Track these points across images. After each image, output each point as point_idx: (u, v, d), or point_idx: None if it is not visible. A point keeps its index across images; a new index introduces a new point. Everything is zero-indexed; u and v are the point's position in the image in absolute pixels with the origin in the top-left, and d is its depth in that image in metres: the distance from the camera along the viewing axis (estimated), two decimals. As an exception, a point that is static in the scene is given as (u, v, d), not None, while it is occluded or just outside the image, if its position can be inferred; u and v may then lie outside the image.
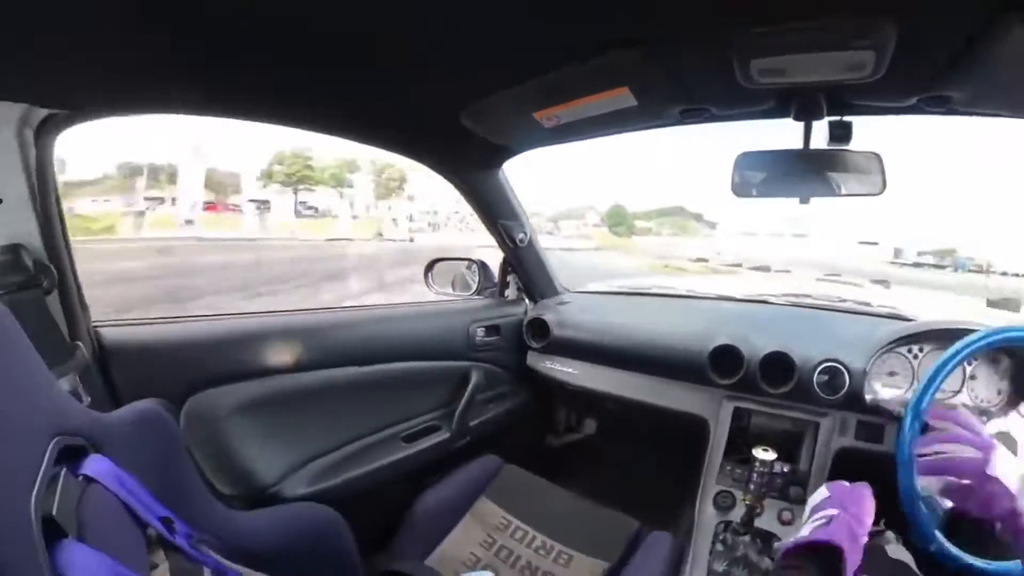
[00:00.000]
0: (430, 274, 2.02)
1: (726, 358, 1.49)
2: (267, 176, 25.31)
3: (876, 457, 1.31)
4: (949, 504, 0.94)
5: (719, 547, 1.28)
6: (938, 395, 1.00)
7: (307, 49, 0.88)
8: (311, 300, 10.96)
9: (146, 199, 19.21)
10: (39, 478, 0.51)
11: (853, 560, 0.76)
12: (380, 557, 1.22)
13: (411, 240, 25.67)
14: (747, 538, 1.24)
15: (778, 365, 1.42)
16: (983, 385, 1.32)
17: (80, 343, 1.08)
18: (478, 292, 2.01)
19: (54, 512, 0.51)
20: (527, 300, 2.06)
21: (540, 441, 2.16)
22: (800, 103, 1.07)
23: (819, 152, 1.13)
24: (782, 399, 1.43)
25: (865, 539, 0.83)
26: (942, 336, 1.32)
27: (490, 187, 1.73)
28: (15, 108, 0.93)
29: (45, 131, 0.98)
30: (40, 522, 0.48)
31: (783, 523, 1.29)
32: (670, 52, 0.90)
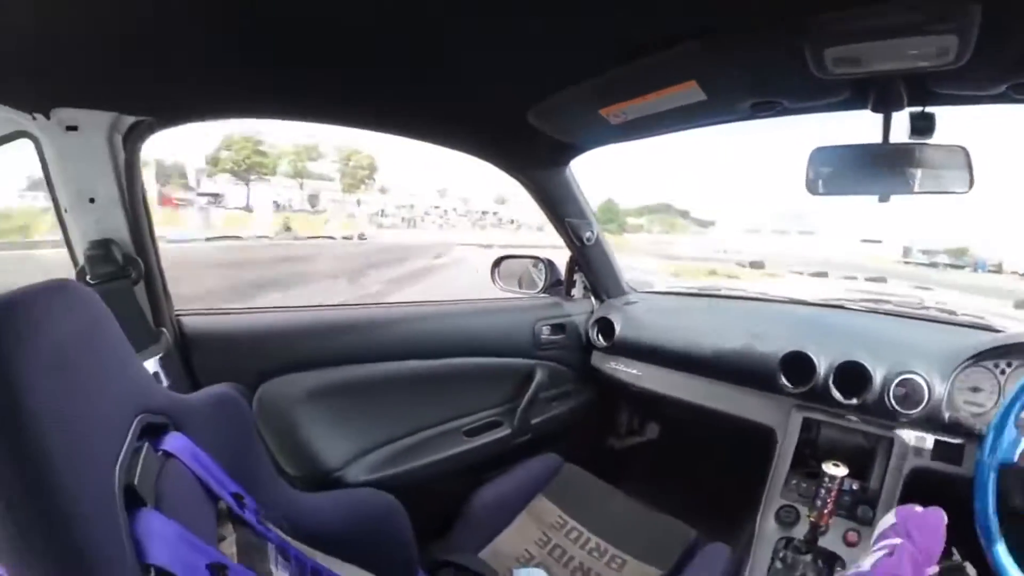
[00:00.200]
0: (497, 271, 2.04)
1: (797, 365, 1.42)
2: (212, 163, 22.35)
3: (954, 480, 1.21)
4: None
5: (778, 564, 1.22)
6: None
7: (377, 50, 0.92)
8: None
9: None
10: (123, 451, 0.56)
11: None
12: (436, 547, 1.24)
13: (360, 238, 22.94)
14: (809, 557, 1.19)
15: (852, 375, 1.34)
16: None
17: (164, 330, 1.17)
18: (544, 290, 2.00)
19: (135, 482, 0.55)
20: (593, 299, 2.04)
21: (601, 442, 2.13)
22: (878, 93, 1.01)
23: (899, 146, 1.06)
24: (855, 412, 1.35)
25: (933, 571, 0.77)
26: None
27: (557, 185, 1.73)
28: (105, 116, 1.03)
29: (132, 137, 1.07)
30: (122, 491, 0.53)
31: (848, 544, 1.21)
32: (739, 43, 0.88)
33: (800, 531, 1.25)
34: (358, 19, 0.80)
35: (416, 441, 1.49)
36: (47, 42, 0.78)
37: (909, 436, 1.28)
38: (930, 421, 1.26)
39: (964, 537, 0.88)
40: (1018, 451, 0.93)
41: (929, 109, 1.03)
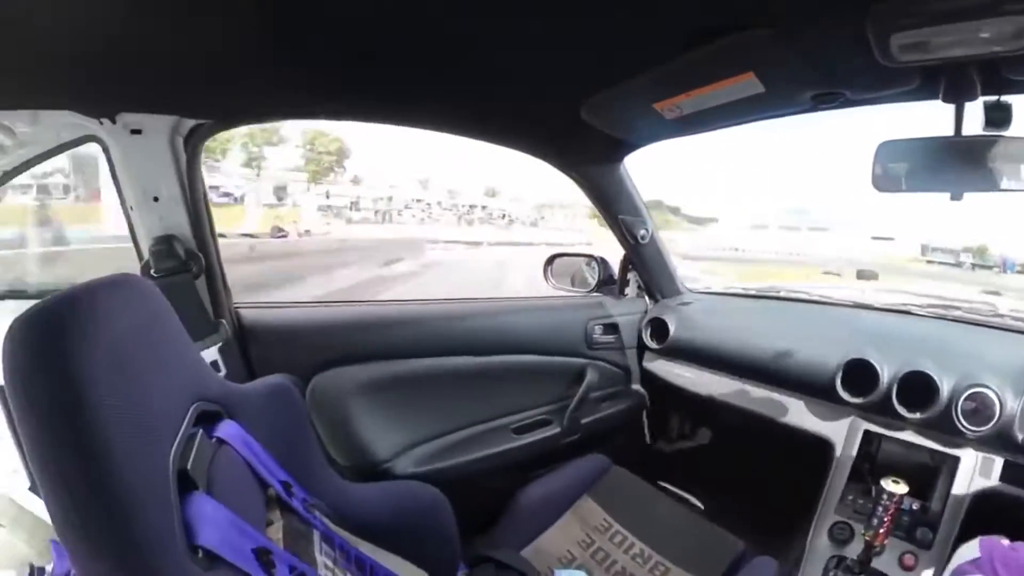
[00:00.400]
0: (549, 269, 2.03)
1: (859, 375, 1.34)
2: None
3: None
4: None
5: (828, 584, 1.17)
6: None
7: (432, 50, 0.93)
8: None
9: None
10: (179, 436, 0.59)
11: None
12: (479, 541, 1.25)
13: (304, 235, 18.31)
14: (861, 579, 1.12)
15: (918, 387, 1.25)
16: None
17: (223, 321, 1.22)
18: (597, 289, 1.97)
19: (189, 467, 0.58)
20: (647, 299, 2.00)
21: (651, 445, 2.09)
22: (949, 82, 0.94)
23: (973, 139, 0.98)
24: (919, 426, 1.26)
25: None
26: None
27: (610, 182, 1.70)
28: (167, 120, 1.10)
29: (193, 139, 1.14)
30: (176, 474, 0.56)
31: (904, 568, 1.15)
32: (799, 30, 0.83)
33: (853, 550, 1.19)
34: (415, 19, 0.81)
35: (464, 436, 1.51)
36: (113, 52, 0.83)
37: (977, 455, 1.20)
38: (1000, 439, 1.17)
39: None
40: None
41: (1005, 98, 0.95)
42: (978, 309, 1.57)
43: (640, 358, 1.93)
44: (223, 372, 1.19)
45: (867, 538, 1.11)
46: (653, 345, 1.86)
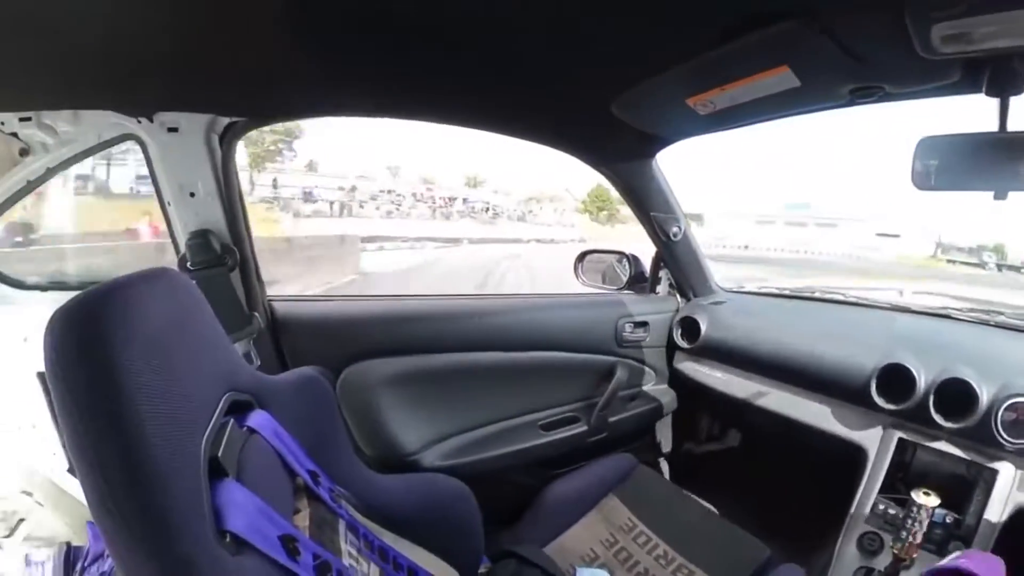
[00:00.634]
0: (580, 265, 2.02)
1: (895, 380, 1.30)
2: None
3: None
4: None
5: (854, 596, 1.13)
6: None
7: (463, 46, 0.93)
8: None
9: None
10: (211, 425, 0.61)
11: None
12: (503, 536, 1.26)
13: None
14: (887, 593, 1.09)
15: (956, 395, 1.20)
16: None
17: (256, 314, 1.25)
18: (628, 286, 1.96)
19: (220, 454, 0.60)
20: (679, 297, 1.98)
21: (678, 446, 2.06)
22: (993, 75, 0.90)
23: (1018, 136, 0.93)
24: (955, 436, 1.22)
25: None
26: None
27: (642, 179, 1.68)
28: (203, 118, 1.14)
29: (228, 136, 1.18)
30: (207, 462, 0.58)
31: None
32: (835, 22, 0.80)
33: (882, 562, 1.15)
34: (446, 16, 0.81)
35: (492, 432, 1.52)
36: (150, 54, 0.86)
37: (1016, 469, 1.15)
38: None
39: None
40: None
41: (1053, 93, 0.91)
42: (1021, 314, 1.49)
43: (670, 357, 1.91)
44: (256, 363, 1.22)
45: (896, 551, 1.07)
46: (684, 344, 1.84)
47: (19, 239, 2.97)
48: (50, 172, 1.24)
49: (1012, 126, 0.93)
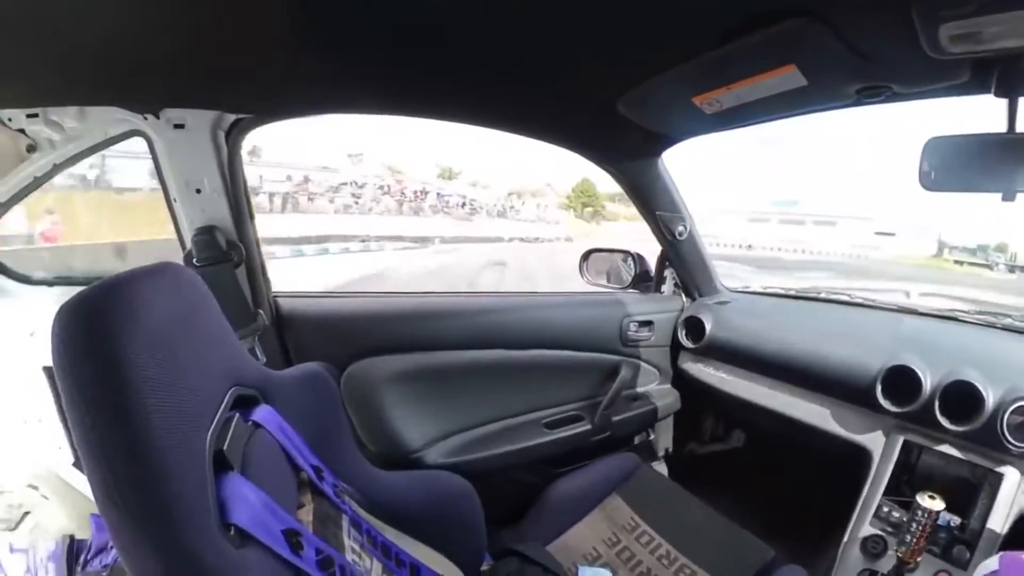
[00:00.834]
0: (585, 264, 2.02)
1: (900, 382, 1.29)
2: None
3: None
4: None
5: (857, 599, 1.13)
6: None
7: (469, 45, 0.93)
8: None
9: None
10: (216, 419, 0.62)
11: None
12: (505, 534, 1.26)
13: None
14: (891, 596, 1.08)
15: (962, 397, 1.19)
16: None
17: (261, 310, 1.26)
18: (633, 285, 1.96)
19: (224, 448, 0.61)
20: (684, 297, 1.97)
21: (682, 446, 2.06)
22: (1002, 75, 0.89)
23: None
24: (961, 439, 1.21)
25: None
26: None
27: (648, 177, 1.68)
28: (209, 115, 1.14)
29: (234, 133, 1.18)
30: (212, 455, 0.58)
31: None
32: (843, 20, 0.80)
33: (885, 565, 1.15)
34: (451, 14, 0.81)
35: (496, 429, 1.52)
36: (156, 50, 0.86)
37: (1021, 473, 1.14)
38: None
39: None
40: None
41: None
42: None
43: (674, 357, 1.91)
44: (261, 359, 1.23)
45: (899, 554, 1.07)
46: (688, 344, 1.83)
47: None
48: (57, 168, 1.24)
49: (1021, 127, 0.93)
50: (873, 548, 1.19)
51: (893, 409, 1.30)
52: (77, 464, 1.34)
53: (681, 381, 1.91)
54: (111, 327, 0.52)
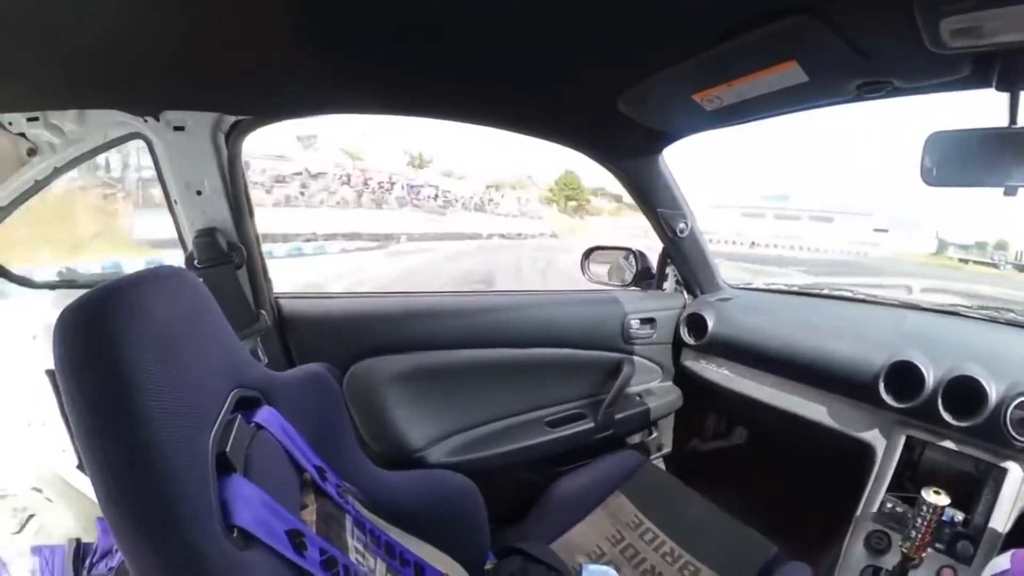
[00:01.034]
0: (587, 262, 2.03)
1: (903, 377, 1.29)
2: None
3: None
4: None
5: (862, 595, 1.13)
6: None
7: (468, 43, 0.92)
8: None
9: None
10: (218, 421, 0.62)
11: None
12: (509, 533, 1.27)
13: None
14: (895, 592, 1.08)
15: (965, 393, 1.19)
16: None
17: (263, 312, 1.26)
18: (634, 282, 1.96)
19: (227, 450, 0.61)
20: (686, 294, 1.97)
21: (685, 443, 2.06)
22: (1003, 69, 0.89)
23: None
24: (964, 434, 1.21)
25: None
26: None
27: (649, 174, 1.68)
28: (209, 117, 1.14)
29: (234, 135, 1.18)
30: (215, 457, 0.58)
31: None
32: (843, 16, 0.80)
33: (890, 561, 1.15)
34: (449, 13, 0.81)
35: (498, 428, 1.52)
36: (156, 52, 0.86)
37: None
38: None
39: None
40: None
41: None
42: None
43: (677, 354, 1.91)
44: (263, 360, 1.23)
45: (904, 550, 1.07)
46: (690, 341, 1.83)
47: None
48: (57, 172, 1.24)
49: (1022, 121, 0.92)
50: (877, 544, 1.19)
51: (896, 405, 1.30)
52: (81, 467, 1.34)
53: (683, 378, 1.91)
54: (113, 330, 0.52)
